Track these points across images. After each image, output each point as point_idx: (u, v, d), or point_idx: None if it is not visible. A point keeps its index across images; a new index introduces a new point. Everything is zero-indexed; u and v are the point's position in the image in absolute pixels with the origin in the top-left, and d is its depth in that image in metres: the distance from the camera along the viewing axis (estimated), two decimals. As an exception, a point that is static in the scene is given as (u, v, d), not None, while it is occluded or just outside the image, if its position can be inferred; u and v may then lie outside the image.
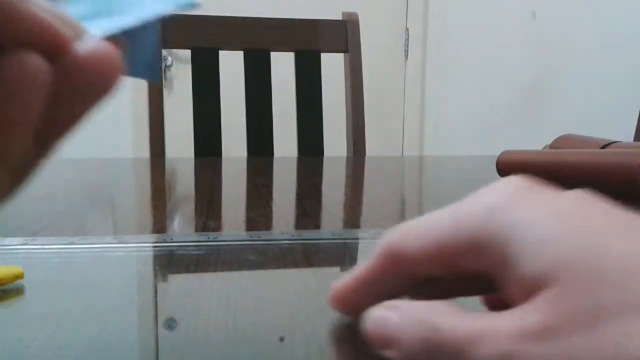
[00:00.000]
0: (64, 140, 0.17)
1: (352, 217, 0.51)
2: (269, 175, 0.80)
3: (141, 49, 0.20)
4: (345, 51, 1.11)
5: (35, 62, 0.14)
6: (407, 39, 2.25)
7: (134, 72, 0.21)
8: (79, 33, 0.16)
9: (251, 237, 0.40)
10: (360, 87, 1.11)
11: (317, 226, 0.46)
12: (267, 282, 0.33)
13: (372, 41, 1.91)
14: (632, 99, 1.91)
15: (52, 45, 0.15)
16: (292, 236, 0.41)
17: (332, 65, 1.16)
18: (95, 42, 0.16)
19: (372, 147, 1.17)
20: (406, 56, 2.25)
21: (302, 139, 1.06)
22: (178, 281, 0.34)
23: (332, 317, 0.25)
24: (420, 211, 0.55)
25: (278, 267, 0.35)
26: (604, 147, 0.69)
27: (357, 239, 0.41)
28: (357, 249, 0.40)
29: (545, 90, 2.21)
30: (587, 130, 0.88)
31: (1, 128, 0.15)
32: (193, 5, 0.19)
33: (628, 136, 1.17)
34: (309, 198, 0.61)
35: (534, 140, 1.29)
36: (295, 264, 0.36)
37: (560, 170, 0.63)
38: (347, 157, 1.06)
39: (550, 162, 0.65)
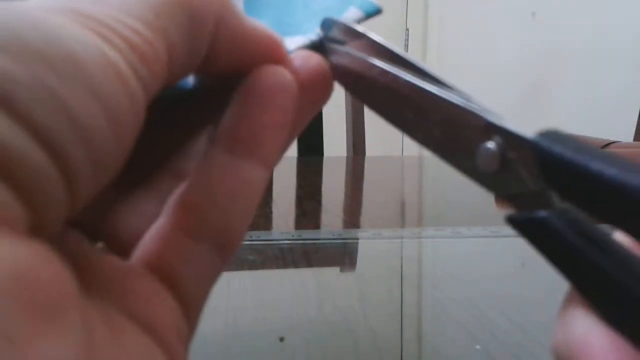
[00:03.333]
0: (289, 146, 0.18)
1: (352, 217, 0.51)
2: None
3: None
4: (345, 51, 1.11)
5: (284, 72, 0.15)
6: (407, 39, 2.25)
7: None
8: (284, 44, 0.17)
9: (251, 237, 0.40)
10: (360, 87, 1.11)
11: (317, 226, 0.46)
12: (267, 282, 0.33)
13: (372, 41, 1.91)
14: (632, 99, 1.92)
15: (277, 59, 0.16)
16: (292, 236, 0.41)
17: (332, 65, 1.16)
18: (305, 53, 0.16)
19: (372, 147, 1.17)
20: (406, 56, 2.26)
21: (302, 139, 1.06)
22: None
23: (332, 317, 0.25)
24: (420, 211, 0.55)
25: (278, 267, 0.35)
26: (604, 147, 0.69)
27: (357, 239, 0.41)
28: (357, 249, 0.40)
29: (545, 90, 2.22)
30: (587, 130, 0.88)
31: (273, 133, 0.15)
32: (376, 12, 0.18)
33: (628, 136, 1.17)
34: (309, 198, 0.61)
35: (533, 140, 1.29)
36: (295, 264, 0.36)
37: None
38: (347, 157, 1.05)
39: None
